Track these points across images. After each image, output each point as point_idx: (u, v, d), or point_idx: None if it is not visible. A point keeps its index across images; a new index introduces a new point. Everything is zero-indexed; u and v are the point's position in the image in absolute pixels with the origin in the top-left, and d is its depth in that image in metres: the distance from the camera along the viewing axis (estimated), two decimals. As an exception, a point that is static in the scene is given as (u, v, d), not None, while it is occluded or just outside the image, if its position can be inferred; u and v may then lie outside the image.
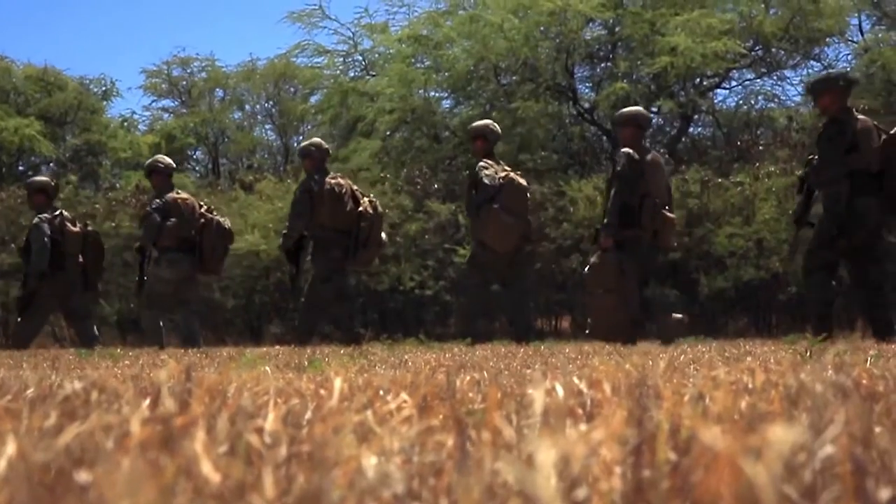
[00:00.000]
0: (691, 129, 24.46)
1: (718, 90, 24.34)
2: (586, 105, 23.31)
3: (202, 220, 11.38)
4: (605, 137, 23.61)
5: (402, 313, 16.85)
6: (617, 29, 23.03)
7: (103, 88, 31.55)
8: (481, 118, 22.63)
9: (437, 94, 24.04)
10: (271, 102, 32.43)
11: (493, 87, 22.70)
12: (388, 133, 23.58)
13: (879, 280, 9.02)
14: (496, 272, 10.61)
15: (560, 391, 1.87)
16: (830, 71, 9.39)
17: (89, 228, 12.21)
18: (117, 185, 25.33)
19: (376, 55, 25.74)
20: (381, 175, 19.23)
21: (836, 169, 8.84)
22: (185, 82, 32.89)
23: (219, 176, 29.95)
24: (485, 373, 3.67)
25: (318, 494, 1.14)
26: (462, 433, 1.22)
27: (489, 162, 10.53)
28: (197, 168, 32.86)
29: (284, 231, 11.20)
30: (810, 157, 9.45)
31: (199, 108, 32.21)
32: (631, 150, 9.65)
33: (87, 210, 17.77)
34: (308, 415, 1.79)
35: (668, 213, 9.81)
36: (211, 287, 16.58)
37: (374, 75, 25.07)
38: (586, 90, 24.02)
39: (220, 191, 20.78)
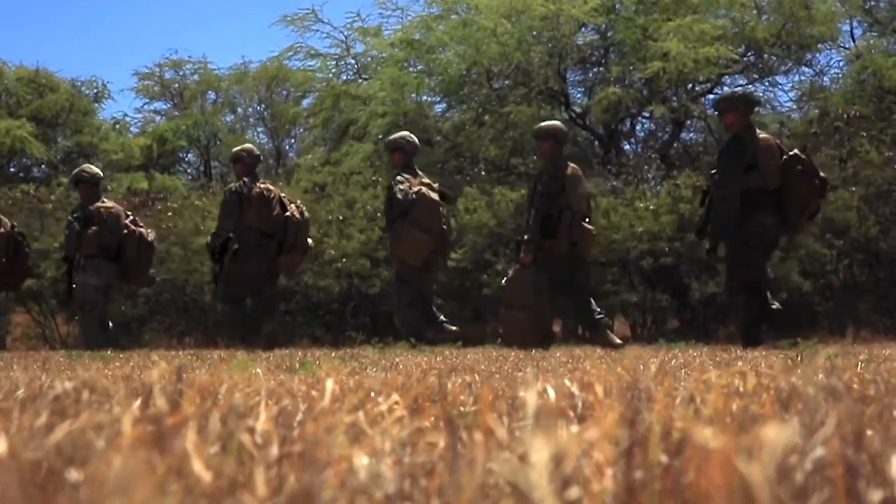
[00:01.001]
0: (683, 135, 24.49)
1: (710, 96, 24.37)
2: (578, 110, 23.32)
3: (126, 231, 11.65)
4: (596, 142, 23.63)
5: (393, 317, 16.84)
6: (609, 34, 23.05)
7: (95, 90, 31.50)
8: (473, 122, 22.84)
9: (429, 98, 24.06)
10: (263, 105, 32.40)
11: (485, 92, 22.70)
12: (380, 136, 23.57)
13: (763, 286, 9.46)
14: (421, 284, 10.86)
15: (552, 393, 1.87)
16: (735, 90, 9.98)
17: (16, 230, 12.31)
18: (109, 187, 25.24)
19: (369, 59, 25.74)
20: (373, 178, 19.21)
21: (733, 186, 9.20)
22: (177, 85, 32.84)
23: (210, 178, 29.91)
24: (476, 375, 3.67)
25: (310, 494, 1.13)
26: (454, 433, 1.22)
27: (406, 175, 10.81)
28: (189, 170, 32.82)
29: (213, 231, 11.49)
30: (714, 171, 9.76)
31: (191, 110, 32.16)
32: (553, 168, 10.15)
33: (78, 212, 17.72)
34: (300, 416, 1.79)
35: (587, 225, 10.23)
36: (202, 289, 16.55)
37: (366, 79, 25.06)
38: (578, 95, 24.05)
39: (211, 193, 20.73)
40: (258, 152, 11.63)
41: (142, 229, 11.83)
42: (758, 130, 9.58)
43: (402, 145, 11.09)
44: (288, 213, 11.03)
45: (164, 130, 30.88)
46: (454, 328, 10.75)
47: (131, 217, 11.86)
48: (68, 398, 1.80)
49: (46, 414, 1.56)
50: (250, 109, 32.91)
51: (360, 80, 25.36)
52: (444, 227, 10.91)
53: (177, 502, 1.09)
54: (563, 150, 10.60)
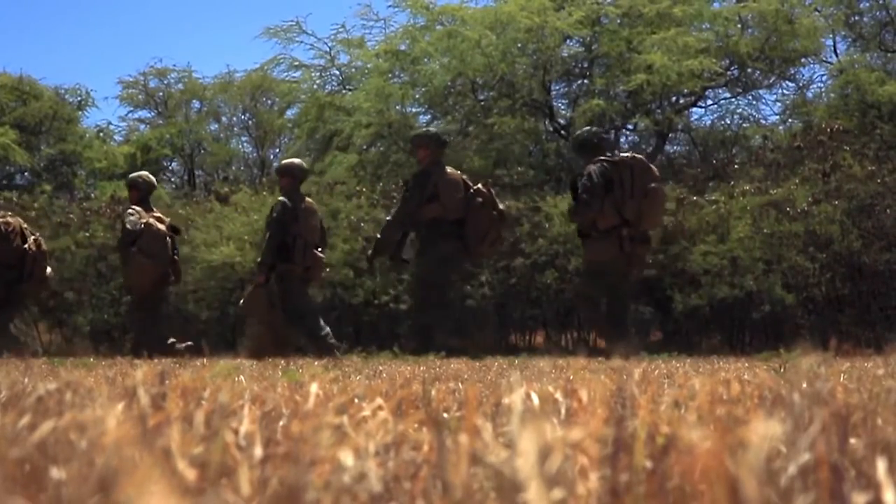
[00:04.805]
0: (667, 147, 24.54)
1: (694, 108, 24.45)
2: (562, 121, 23.35)
3: None
4: (581, 154, 23.65)
5: (376, 327, 16.81)
6: (594, 46, 23.10)
7: (79, 98, 31.43)
8: (458, 133, 22.84)
9: (413, 109, 24.06)
10: (248, 115, 32.37)
11: (469, 103, 22.72)
12: (364, 147, 23.57)
13: (441, 310, 10.82)
14: (149, 305, 11.89)
15: (536, 399, 1.86)
16: (429, 129, 11.46)
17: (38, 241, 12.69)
18: (92, 195, 25.21)
19: (353, 70, 25.73)
20: (357, 189, 19.18)
21: (404, 215, 10.60)
22: (161, 93, 32.80)
23: (194, 187, 29.86)
24: (460, 383, 3.67)
25: (295, 492, 1.13)
26: (439, 433, 1.22)
27: (136, 209, 11.81)
28: (173, 179, 32.76)
29: None
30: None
31: (175, 119, 32.11)
32: (286, 199, 11.31)
33: (61, 220, 17.68)
34: (283, 421, 1.78)
35: (318, 253, 11.37)
36: (185, 298, 16.51)
37: (350, 90, 25.06)
38: (563, 107, 24.08)
39: (195, 202, 20.69)
40: None
41: None
42: (446, 167, 10.89)
43: (137, 184, 12.13)
44: (26, 246, 11.91)
45: (149, 139, 30.82)
46: (337, 344, 11.48)
47: None
48: (52, 399, 1.79)
49: (30, 414, 1.55)
50: (235, 118, 32.89)
51: (344, 91, 25.35)
52: (174, 256, 12.00)
53: (159, 500, 1.09)
54: (301, 185, 11.77)
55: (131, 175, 12.57)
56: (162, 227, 11.83)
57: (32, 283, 11.95)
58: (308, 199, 11.84)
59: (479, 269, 15.58)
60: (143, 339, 11.67)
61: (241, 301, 11.42)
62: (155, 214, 11.99)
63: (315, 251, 11.29)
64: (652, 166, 10.37)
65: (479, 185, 10.86)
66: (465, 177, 11.02)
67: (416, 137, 11.38)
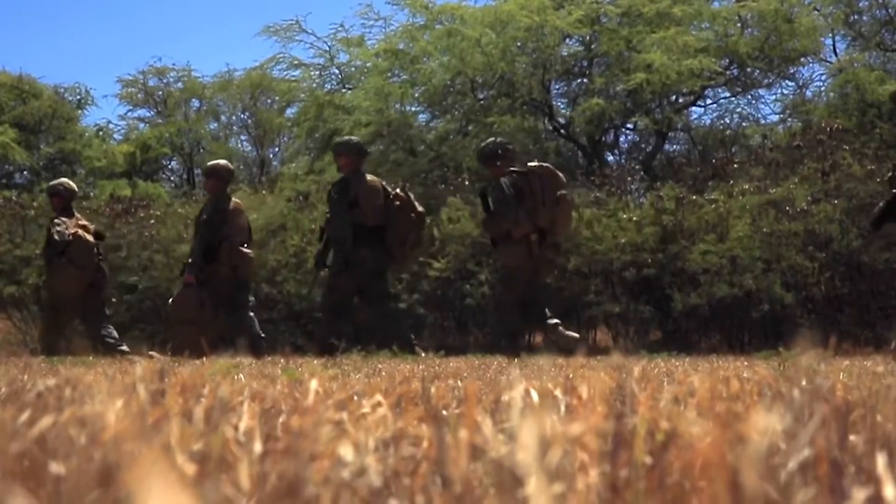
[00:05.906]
0: (666, 146, 24.54)
1: (693, 108, 24.44)
2: (562, 120, 23.35)
3: None
4: (580, 154, 23.67)
5: (375, 325, 16.80)
6: (593, 45, 23.09)
7: (78, 97, 31.47)
8: (458, 132, 22.82)
9: (413, 108, 24.03)
10: (247, 113, 32.36)
11: (469, 102, 22.70)
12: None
13: (388, 312, 11.20)
14: (70, 313, 12.28)
15: (535, 396, 1.86)
16: (351, 137, 11.74)
17: None
18: (91, 194, 25.19)
19: (353, 69, 25.70)
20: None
21: (341, 220, 10.81)
22: (160, 92, 32.80)
23: (193, 186, 29.86)
24: (459, 381, 3.67)
25: (295, 486, 1.13)
26: (439, 429, 1.22)
27: (63, 219, 12.11)
28: (172, 178, 32.76)
29: None
30: (327, 213, 11.40)
31: (174, 118, 32.11)
32: (217, 202, 11.50)
33: (60, 218, 17.65)
34: (282, 417, 1.78)
35: (246, 251, 11.53)
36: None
37: (350, 89, 25.03)
38: (562, 106, 24.06)
39: (194, 201, 20.68)
40: None
41: None
42: (366, 175, 11.20)
43: (59, 191, 12.34)
44: None
45: (148, 137, 30.83)
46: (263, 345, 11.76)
47: None
48: (51, 395, 1.79)
49: (30, 410, 1.55)
50: (234, 117, 32.90)
51: (343, 90, 25.34)
52: (100, 262, 12.25)
53: (159, 495, 1.09)
54: (228, 187, 12.02)
55: (52, 183, 12.77)
56: (89, 236, 12.08)
57: None
58: (234, 199, 12.02)
59: (478, 269, 15.58)
60: (47, 340, 12.22)
61: (170, 301, 11.55)
62: (80, 222, 12.23)
63: (242, 249, 11.43)
64: (559, 174, 10.75)
65: (398, 190, 11.17)
66: (384, 183, 11.34)
67: (336, 146, 11.65)
